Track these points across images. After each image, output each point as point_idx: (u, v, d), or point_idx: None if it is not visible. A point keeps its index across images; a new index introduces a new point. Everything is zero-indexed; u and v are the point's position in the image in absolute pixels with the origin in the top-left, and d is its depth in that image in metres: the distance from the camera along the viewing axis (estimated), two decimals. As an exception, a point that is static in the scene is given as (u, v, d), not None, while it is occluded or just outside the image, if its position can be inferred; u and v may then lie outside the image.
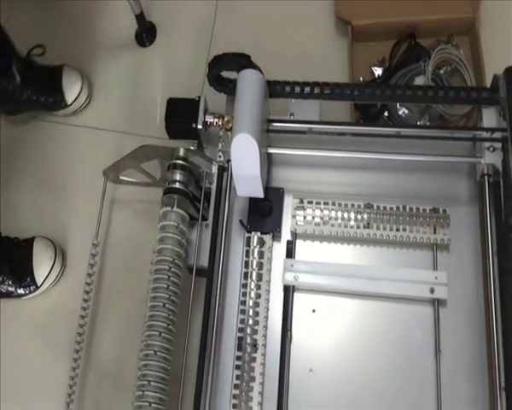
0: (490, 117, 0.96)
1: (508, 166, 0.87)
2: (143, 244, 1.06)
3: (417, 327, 0.91)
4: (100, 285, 1.10)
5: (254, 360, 0.89)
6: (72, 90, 1.22)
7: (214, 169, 1.01)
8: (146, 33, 1.33)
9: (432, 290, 0.90)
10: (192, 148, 1.01)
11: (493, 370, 0.84)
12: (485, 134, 0.95)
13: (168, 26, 1.34)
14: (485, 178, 0.94)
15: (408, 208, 0.96)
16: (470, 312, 0.90)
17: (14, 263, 1.09)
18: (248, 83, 0.91)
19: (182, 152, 0.99)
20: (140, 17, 1.29)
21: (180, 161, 0.98)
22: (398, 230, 0.95)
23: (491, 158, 0.94)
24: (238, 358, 0.90)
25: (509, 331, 0.83)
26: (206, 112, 1.01)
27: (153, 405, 0.84)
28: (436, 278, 0.91)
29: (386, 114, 1.20)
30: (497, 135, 0.94)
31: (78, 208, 1.17)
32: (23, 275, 1.08)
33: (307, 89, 0.97)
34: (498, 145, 0.94)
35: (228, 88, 0.99)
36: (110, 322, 1.07)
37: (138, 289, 0.96)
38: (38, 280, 1.09)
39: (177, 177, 0.98)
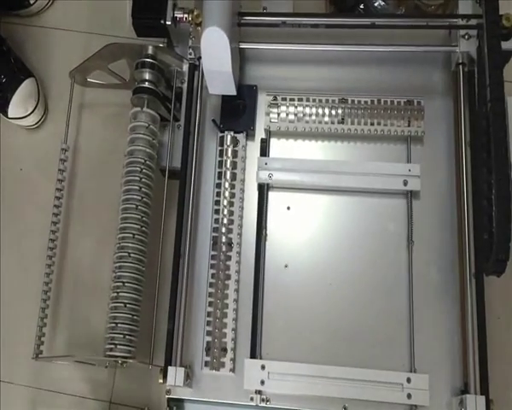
0: (466, 4, 0.94)
1: (483, 54, 0.85)
2: (115, 148, 1.04)
3: (391, 219, 0.91)
4: (72, 190, 1.08)
5: (230, 258, 0.90)
6: None
7: (185, 67, 0.98)
8: None
9: (405, 183, 0.90)
10: (161, 45, 0.97)
11: (463, 257, 0.86)
12: (460, 21, 0.93)
13: None
14: (460, 67, 0.93)
15: (382, 102, 0.95)
16: (443, 203, 0.91)
17: None
18: (217, -26, 0.87)
19: (150, 50, 0.96)
20: None
21: (149, 60, 0.95)
22: (372, 124, 0.94)
23: (466, 46, 0.92)
24: (213, 257, 0.90)
25: (479, 220, 0.83)
26: (175, 7, 0.97)
27: (128, 305, 0.86)
28: (409, 170, 0.90)
29: (361, 6, 1.16)
30: (473, 22, 0.91)
31: (48, 113, 1.14)
32: None
33: (279, -21, 0.94)
34: (474, 33, 0.92)
35: (196, -20, 0.95)
36: (84, 227, 1.07)
37: (112, 193, 0.95)
38: None
39: (147, 76, 0.95)
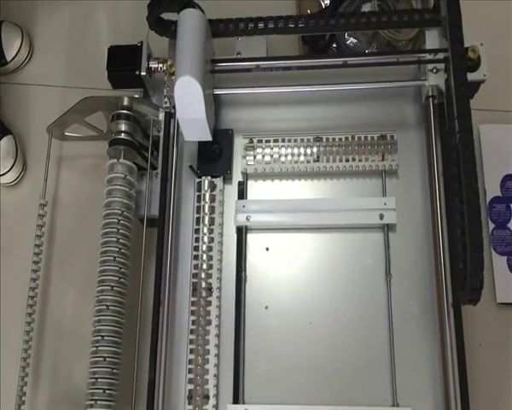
0: (433, 39, 0.95)
1: (450, 86, 0.86)
2: (95, 199, 1.04)
3: (369, 254, 0.91)
4: (52, 244, 1.09)
5: (210, 303, 0.90)
6: (11, 46, 1.19)
7: (161, 116, 0.99)
8: (86, -20, 1.28)
9: (381, 216, 0.90)
10: (136, 96, 0.98)
11: (441, 287, 0.86)
12: (428, 56, 0.94)
13: (109, -30, 1.29)
14: (430, 100, 0.94)
15: (356, 138, 0.96)
16: (419, 234, 0.91)
17: None
18: (189, 23, 0.89)
19: (126, 101, 0.97)
20: (77, -36, 1.24)
21: (124, 111, 0.97)
22: (347, 160, 0.95)
23: (434, 79, 0.93)
24: (193, 303, 0.90)
25: (454, 250, 0.83)
26: (149, 57, 0.99)
27: (107, 359, 0.85)
28: (385, 204, 0.91)
29: (334, 45, 1.18)
30: (440, 56, 0.93)
31: (26, 169, 1.15)
32: None
33: (251, 25, 0.96)
34: (441, 66, 0.93)
35: (169, 30, 0.96)
36: (65, 281, 1.07)
37: (93, 244, 0.94)
38: None
39: (122, 127, 0.96)
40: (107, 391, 0.84)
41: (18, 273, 1.05)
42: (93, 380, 0.85)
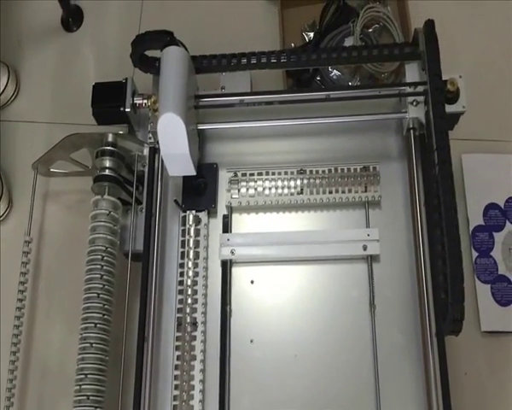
0: (413, 72, 0.96)
1: (430, 119, 0.87)
2: (80, 235, 1.04)
3: (353, 285, 0.92)
4: (38, 280, 1.09)
5: (195, 338, 0.89)
6: None
7: (146, 151, 1.00)
8: (72, 17, 1.29)
9: (365, 248, 0.91)
10: (121, 132, 0.99)
11: (424, 318, 0.86)
12: (408, 89, 0.96)
13: (95, 8, 1.30)
14: (411, 132, 0.95)
15: (339, 170, 0.97)
16: (403, 264, 0.92)
17: None
18: (171, 60, 0.90)
19: (110, 138, 0.98)
20: (64, 1, 1.25)
21: (108, 147, 0.97)
22: (330, 192, 0.96)
23: (415, 112, 0.94)
24: (178, 338, 0.90)
25: (436, 280, 0.84)
26: (134, 94, 1.00)
27: (91, 397, 0.85)
28: (368, 235, 0.92)
29: (318, 78, 1.20)
30: (420, 89, 0.94)
31: (12, 206, 1.15)
32: None
33: (234, 60, 0.97)
34: (421, 99, 0.94)
35: (153, 67, 0.97)
36: (51, 318, 1.06)
37: (78, 280, 0.94)
38: None
39: (107, 163, 0.97)
40: (91, 430, 0.83)
41: (3, 310, 1.05)
42: (77, 420, 0.84)
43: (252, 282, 0.94)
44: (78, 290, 0.93)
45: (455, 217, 0.78)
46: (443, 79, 0.89)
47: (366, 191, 0.95)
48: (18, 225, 1.12)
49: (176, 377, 0.87)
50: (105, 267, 0.90)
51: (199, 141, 0.99)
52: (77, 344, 0.89)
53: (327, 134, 1.01)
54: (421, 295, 0.87)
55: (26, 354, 1.03)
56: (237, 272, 0.94)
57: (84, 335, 0.87)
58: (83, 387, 0.85)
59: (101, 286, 0.89)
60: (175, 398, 0.87)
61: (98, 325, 0.87)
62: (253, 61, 0.97)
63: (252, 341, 0.90)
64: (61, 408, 0.99)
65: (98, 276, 0.89)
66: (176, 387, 0.87)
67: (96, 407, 0.85)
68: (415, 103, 0.94)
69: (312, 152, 1.01)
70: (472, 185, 1.09)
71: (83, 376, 0.85)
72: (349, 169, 0.96)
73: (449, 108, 0.90)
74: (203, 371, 0.88)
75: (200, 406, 0.86)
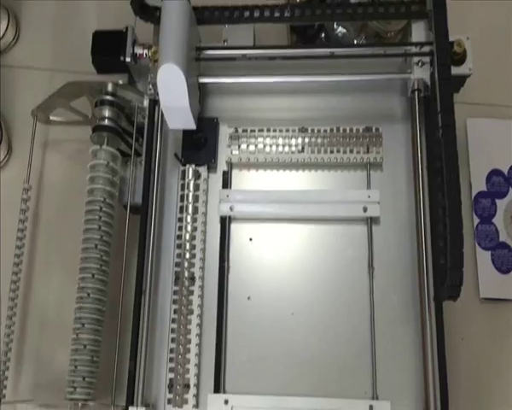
0: (419, 31, 0.94)
1: (435, 80, 0.86)
2: (80, 185, 1.02)
3: (351, 246, 0.91)
4: (37, 229, 1.08)
5: (192, 293, 0.89)
6: None
7: (146, 103, 0.98)
8: (73, -38, 1.26)
9: (365, 209, 0.90)
10: (121, 82, 0.98)
11: (422, 282, 0.86)
12: (414, 49, 0.94)
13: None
14: (416, 93, 0.93)
15: (341, 129, 0.95)
16: (402, 228, 0.91)
17: None
18: (172, 10, 0.88)
19: (110, 87, 0.96)
20: None
21: (108, 97, 0.96)
22: (332, 152, 0.95)
23: (420, 73, 0.92)
24: (175, 292, 0.90)
25: (436, 244, 0.84)
26: (135, 43, 0.98)
27: (87, 347, 0.85)
28: (369, 196, 0.91)
29: (323, 35, 1.17)
30: (426, 49, 0.92)
31: (11, 152, 1.14)
32: None
33: (236, 13, 0.95)
34: (427, 59, 0.92)
35: (154, 17, 0.95)
36: (50, 266, 1.06)
37: (77, 230, 0.94)
38: None
39: (106, 113, 0.96)
40: (86, 379, 0.84)
41: (1, 257, 1.04)
42: (73, 367, 0.85)
43: (250, 239, 0.93)
44: (78, 240, 0.93)
45: (457, 182, 0.77)
46: (450, 39, 0.88)
47: (368, 152, 0.94)
48: (17, 172, 1.10)
49: (173, 331, 0.88)
50: (103, 218, 0.90)
51: (200, 95, 0.98)
52: (75, 294, 0.90)
53: (330, 93, 0.99)
54: (421, 259, 0.87)
55: (25, 301, 1.03)
56: (236, 229, 0.94)
57: (82, 285, 0.88)
58: (80, 336, 0.86)
59: (98, 237, 0.89)
60: (171, 351, 0.87)
61: (96, 276, 0.88)
62: (256, 14, 0.95)
63: (249, 298, 0.90)
64: (59, 356, 0.98)
65: (96, 227, 0.89)
66: (172, 340, 0.87)
67: (93, 357, 0.86)
68: (420, 64, 0.93)
69: (314, 110, 0.99)
70: (476, 150, 1.08)
71: (80, 325, 0.86)
72: (351, 129, 0.95)
73: (455, 70, 0.88)
74: (200, 325, 0.88)
75: (196, 359, 0.87)
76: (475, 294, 1.01)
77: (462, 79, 0.92)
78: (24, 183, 0.98)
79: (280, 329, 0.89)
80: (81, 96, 0.99)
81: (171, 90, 0.86)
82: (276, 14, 0.95)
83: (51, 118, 1.05)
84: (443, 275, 0.77)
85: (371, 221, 0.91)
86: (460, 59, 0.91)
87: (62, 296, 1.03)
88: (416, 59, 0.93)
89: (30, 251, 1.06)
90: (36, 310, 1.04)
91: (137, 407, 0.82)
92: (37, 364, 1.01)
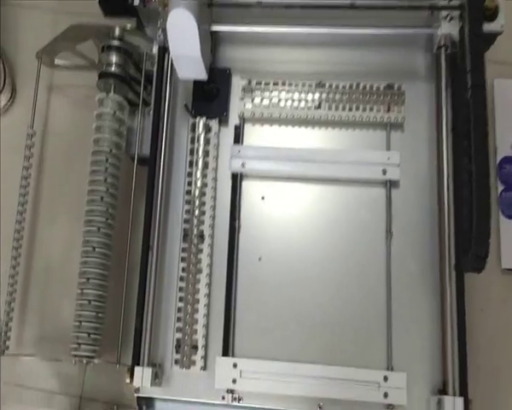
0: (449, -16, 0.89)
1: (464, 36, 0.81)
2: (85, 133, 0.98)
3: (369, 210, 0.88)
4: (41, 177, 1.04)
5: (201, 251, 0.87)
6: None
7: (155, 49, 0.94)
8: None
9: (384, 172, 0.87)
10: (129, 26, 0.92)
11: (443, 249, 0.83)
12: (442, 2, 0.89)
13: None
14: (442, 49, 0.89)
15: (361, 86, 0.91)
16: (423, 192, 0.88)
17: None
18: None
19: (117, 31, 0.92)
20: None
21: (115, 42, 0.92)
22: (350, 109, 0.90)
23: (448, 28, 0.88)
24: (184, 250, 0.87)
25: (460, 210, 0.80)
26: (144, -15, 0.92)
27: (92, 302, 0.83)
28: (388, 158, 0.87)
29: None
30: (455, 3, 0.87)
31: (15, 96, 1.10)
32: None
33: (252, -43, 0.89)
34: (456, 14, 0.88)
35: (165, -42, 0.90)
36: (53, 217, 1.03)
37: (83, 179, 0.90)
38: None
39: (113, 59, 0.92)
40: (91, 335, 0.83)
41: (5, 205, 1.01)
42: (77, 323, 0.83)
43: (262, 198, 0.90)
44: (84, 189, 0.90)
45: (486, 146, 0.74)
46: (482, -6, 0.83)
47: (389, 111, 0.90)
48: (21, 116, 1.06)
49: (181, 289, 0.85)
50: (109, 170, 0.87)
51: (212, 43, 0.93)
52: (80, 245, 0.87)
53: (350, 46, 0.95)
54: (442, 225, 0.84)
55: (29, 250, 1.01)
56: (247, 187, 0.90)
57: (87, 238, 0.85)
58: (85, 291, 0.84)
59: (104, 189, 0.86)
60: (179, 310, 0.85)
61: (101, 230, 0.85)
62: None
63: (260, 258, 0.87)
64: (64, 309, 0.97)
65: (102, 179, 0.86)
66: (180, 299, 0.85)
67: (98, 313, 0.84)
68: (449, 18, 0.88)
69: (333, 64, 0.95)
70: (502, 113, 1.03)
71: (84, 280, 0.84)
72: (372, 86, 0.91)
73: (486, 27, 0.84)
74: (209, 285, 0.86)
75: (204, 320, 0.84)
76: (497, 264, 0.98)
77: (492, 37, 0.87)
78: (28, 128, 0.94)
79: (291, 292, 0.86)
80: (87, 40, 0.95)
81: (182, 36, 0.82)
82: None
83: (56, 62, 1.00)
84: (466, 243, 0.74)
85: (390, 184, 0.88)
86: (492, 15, 0.86)
87: (68, 246, 1.00)
88: (444, 13, 0.88)
89: (34, 199, 1.03)
90: (40, 260, 1.01)
91: (144, 366, 0.80)
92: (42, 316, 0.99)
